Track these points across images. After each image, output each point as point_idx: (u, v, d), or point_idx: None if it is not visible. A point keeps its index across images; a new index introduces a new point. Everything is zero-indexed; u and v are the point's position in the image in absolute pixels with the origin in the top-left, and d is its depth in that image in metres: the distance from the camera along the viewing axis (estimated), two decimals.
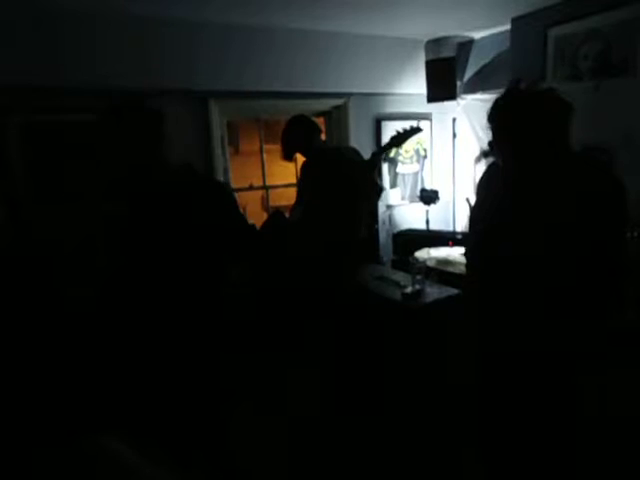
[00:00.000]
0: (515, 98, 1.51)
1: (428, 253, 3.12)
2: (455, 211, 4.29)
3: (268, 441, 2.16)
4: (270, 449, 2.14)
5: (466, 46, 3.90)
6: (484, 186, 1.79)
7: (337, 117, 3.77)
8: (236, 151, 4.70)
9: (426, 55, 3.83)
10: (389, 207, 4.08)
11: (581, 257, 1.44)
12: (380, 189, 2.82)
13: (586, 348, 1.51)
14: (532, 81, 1.53)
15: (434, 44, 3.81)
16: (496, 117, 1.54)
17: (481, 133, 3.87)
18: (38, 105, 2.71)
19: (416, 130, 2.71)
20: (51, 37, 2.67)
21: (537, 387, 1.58)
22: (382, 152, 2.72)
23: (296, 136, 2.73)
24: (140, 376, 1.82)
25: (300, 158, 2.91)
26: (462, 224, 4.22)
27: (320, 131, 2.81)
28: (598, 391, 1.61)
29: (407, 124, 4.00)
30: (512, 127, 1.51)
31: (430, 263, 2.81)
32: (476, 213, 1.84)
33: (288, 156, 2.82)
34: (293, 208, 2.95)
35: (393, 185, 4.11)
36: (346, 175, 2.64)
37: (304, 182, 2.91)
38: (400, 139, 2.69)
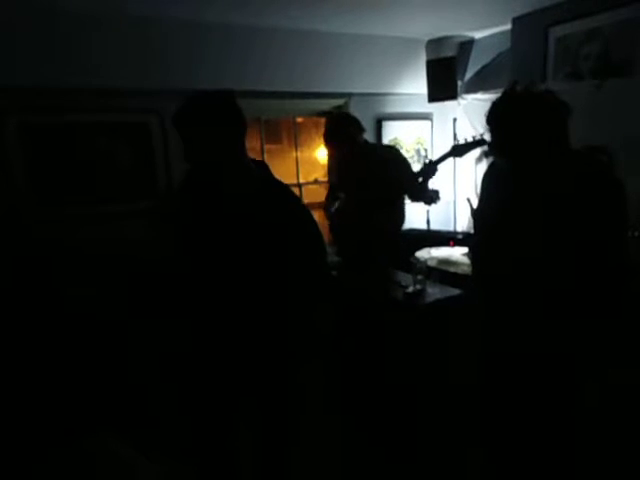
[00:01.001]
0: (512, 100, 1.51)
1: (429, 253, 3.12)
2: (456, 211, 4.28)
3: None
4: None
5: (467, 46, 3.89)
6: (486, 186, 1.79)
7: None
8: None
9: (427, 55, 3.82)
10: None
11: (582, 258, 1.44)
12: (437, 195, 2.81)
13: (588, 349, 1.51)
14: (530, 83, 1.52)
15: (435, 44, 3.80)
16: (494, 119, 1.54)
17: (482, 133, 3.86)
18: (38, 105, 2.71)
19: (481, 142, 2.61)
20: (51, 37, 2.67)
21: (540, 387, 1.58)
22: (440, 161, 2.70)
23: (341, 132, 2.75)
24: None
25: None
26: (463, 224, 4.21)
27: (363, 129, 2.83)
28: (599, 392, 1.61)
29: (408, 124, 4.04)
30: (510, 129, 1.51)
31: (431, 263, 2.81)
32: (478, 213, 1.84)
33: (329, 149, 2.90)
34: (328, 199, 3.00)
35: None
36: (391, 176, 2.68)
37: (345, 175, 2.94)
38: (462, 150, 2.64)
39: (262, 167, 1.68)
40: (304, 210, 1.68)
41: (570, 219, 1.45)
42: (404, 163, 2.84)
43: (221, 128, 1.49)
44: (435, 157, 2.76)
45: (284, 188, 1.67)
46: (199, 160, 1.55)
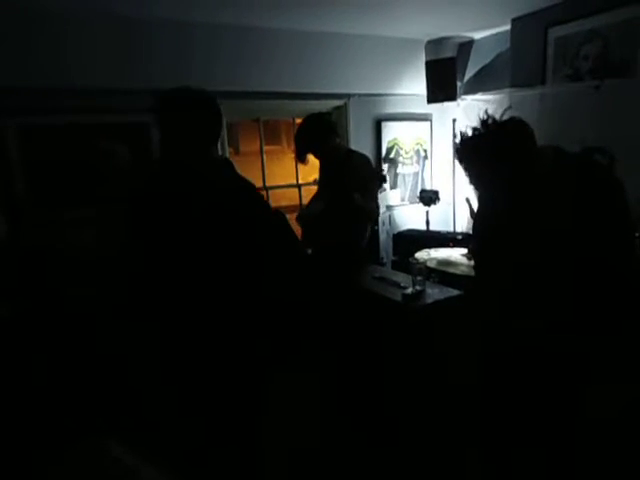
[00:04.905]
0: (473, 140, 1.53)
1: (428, 254, 3.11)
2: (455, 212, 4.28)
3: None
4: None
5: (466, 46, 3.90)
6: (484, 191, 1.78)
7: (337, 118, 3.77)
8: (236, 152, 4.71)
9: (426, 55, 3.83)
10: (389, 208, 4.07)
11: (587, 261, 1.43)
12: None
13: (592, 354, 1.50)
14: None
15: (434, 44, 3.81)
16: (463, 161, 1.56)
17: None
18: (37, 107, 2.70)
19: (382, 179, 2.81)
20: (50, 39, 2.67)
21: (540, 389, 1.57)
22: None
23: (310, 136, 2.64)
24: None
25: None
26: (462, 225, 4.21)
27: (336, 132, 2.70)
28: (602, 396, 1.60)
29: (407, 125, 4.05)
30: (479, 168, 1.56)
31: (430, 264, 2.80)
32: (478, 217, 1.83)
33: (300, 157, 2.74)
34: (311, 201, 2.95)
35: (393, 186, 4.11)
36: (362, 182, 2.61)
37: (324, 179, 2.90)
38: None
39: (228, 166, 1.71)
40: (269, 208, 1.75)
41: (571, 224, 1.44)
42: (369, 174, 2.71)
43: (192, 112, 1.58)
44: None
45: (249, 188, 1.68)
46: (171, 158, 1.61)
